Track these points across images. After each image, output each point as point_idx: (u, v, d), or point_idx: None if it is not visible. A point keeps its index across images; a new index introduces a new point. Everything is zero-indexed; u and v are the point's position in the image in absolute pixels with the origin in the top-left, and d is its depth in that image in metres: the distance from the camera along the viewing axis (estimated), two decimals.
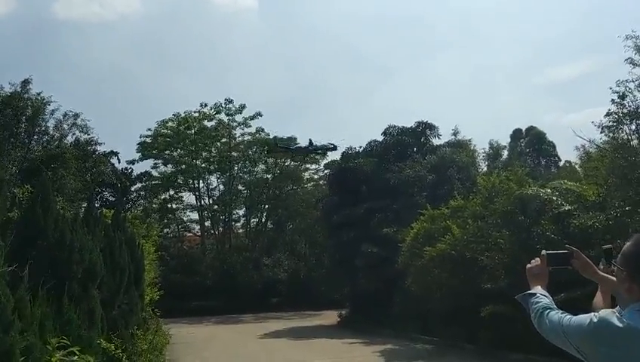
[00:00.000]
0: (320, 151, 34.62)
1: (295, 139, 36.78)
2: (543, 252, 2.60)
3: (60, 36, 50.69)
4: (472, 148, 24.65)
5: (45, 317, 4.50)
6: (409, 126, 24.67)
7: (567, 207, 10.73)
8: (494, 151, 27.06)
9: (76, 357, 4.72)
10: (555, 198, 11.04)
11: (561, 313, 2.23)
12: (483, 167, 24.80)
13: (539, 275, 2.52)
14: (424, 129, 24.60)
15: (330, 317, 25.32)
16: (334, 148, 33.19)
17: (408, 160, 22.84)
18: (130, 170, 34.69)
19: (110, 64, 50.57)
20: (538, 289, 2.43)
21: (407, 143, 24.17)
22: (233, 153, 37.37)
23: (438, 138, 24.68)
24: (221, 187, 38.49)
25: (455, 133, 24.87)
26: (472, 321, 13.44)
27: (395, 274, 17.84)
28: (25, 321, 4.11)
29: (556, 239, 10.84)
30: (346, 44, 54.84)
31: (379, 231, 20.44)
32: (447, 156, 21.67)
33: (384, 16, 56.46)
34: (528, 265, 2.57)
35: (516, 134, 33.32)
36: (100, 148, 25.82)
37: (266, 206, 38.96)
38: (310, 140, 33.76)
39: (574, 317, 2.13)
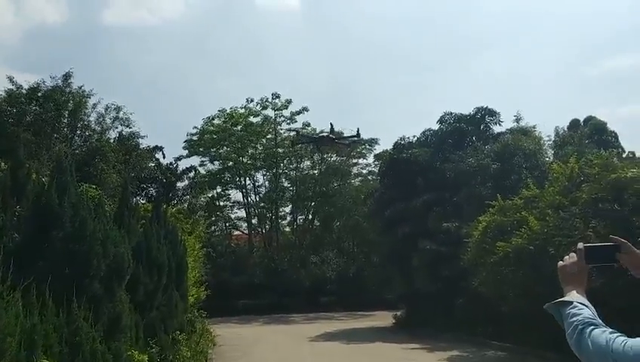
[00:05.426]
0: (347, 142, 33.70)
1: (342, 133, 35.59)
2: (580, 245, 2.04)
3: (109, 41, 51.56)
4: (537, 134, 22.53)
5: (34, 330, 3.35)
6: (466, 113, 22.88)
7: None
8: (560, 138, 24.74)
9: None
10: None
11: (610, 332, 1.72)
12: (550, 155, 22.63)
13: (575, 276, 2.00)
14: (484, 115, 22.67)
15: (383, 319, 23.90)
16: (358, 136, 32.61)
17: (468, 148, 21.07)
18: (175, 166, 34.27)
19: (157, 66, 51.12)
20: (574, 296, 1.93)
21: (465, 131, 22.36)
22: (279, 149, 36.55)
23: (500, 125, 22.78)
24: (267, 184, 37.84)
25: (518, 120, 22.88)
26: (556, 326, 11.69)
27: (458, 273, 16.32)
28: None
29: None
30: (388, 42, 53.30)
31: (438, 225, 18.85)
32: (512, 143, 19.74)
33: (427, 14, 54.71)
34: (560, 263, 2.05)
35: (573, 125, 30.99)
36: (143, 142, 25.26)
37: (313, 203, 37.99)
38: (331, 124, 32.79)
39: (630, 341, 1.63)
